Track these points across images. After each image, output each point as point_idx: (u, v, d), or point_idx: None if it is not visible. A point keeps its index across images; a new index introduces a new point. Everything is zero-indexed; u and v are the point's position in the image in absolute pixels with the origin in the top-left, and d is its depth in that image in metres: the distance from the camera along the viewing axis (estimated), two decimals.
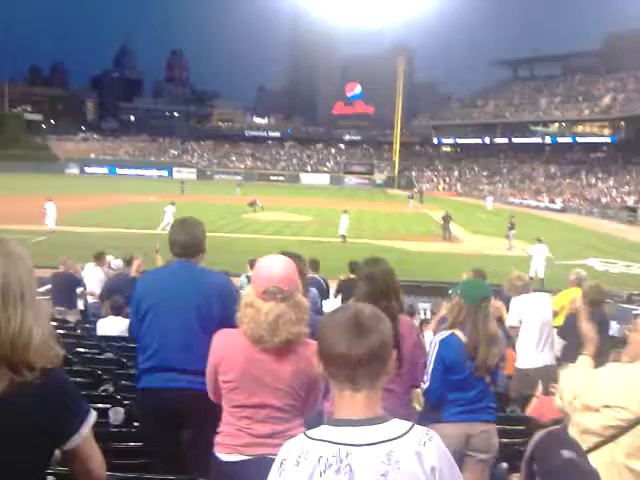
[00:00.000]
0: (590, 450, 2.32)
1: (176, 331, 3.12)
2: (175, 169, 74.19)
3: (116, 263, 10.52)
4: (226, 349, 2.49)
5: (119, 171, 72.76)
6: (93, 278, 10.48)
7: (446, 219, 28.37)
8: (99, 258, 10.91)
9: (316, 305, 5.86)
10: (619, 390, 2.31)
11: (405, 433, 1.51)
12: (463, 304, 3.41)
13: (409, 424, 1.55)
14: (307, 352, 2.44)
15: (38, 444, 1.62)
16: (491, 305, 3.49)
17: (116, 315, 7.46)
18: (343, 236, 25.38)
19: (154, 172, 73.75)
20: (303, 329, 2.44)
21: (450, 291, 3.93)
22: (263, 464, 2.36)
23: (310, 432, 1.56)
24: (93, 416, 1.75)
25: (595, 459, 2.29)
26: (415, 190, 60.16)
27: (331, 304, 8.60)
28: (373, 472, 1.45)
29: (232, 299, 2.83)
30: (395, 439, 1.49)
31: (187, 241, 3.30)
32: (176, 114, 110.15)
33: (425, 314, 11.38)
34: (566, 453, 1.77)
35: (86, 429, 1.70)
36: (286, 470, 1.51)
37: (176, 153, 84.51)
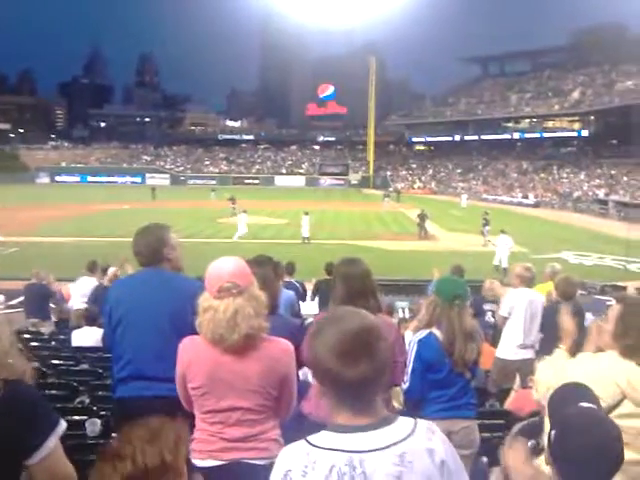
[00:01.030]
0: None
1: (150, 339, 3.07)
2: (148, 175, 73.36)
3: (111, 271, 10.00)
4: (192, 355, 2.47)
5: (91, 179, 71.72)
6: (83, 290, 9.79)
7: (422, 217, 28.55)
8: (92, 268, 10.42)
9: (294, 308, 5.85)
10: (591, 380, 2.28)
11: (413, 431, 1.50)
12: (438, 302, 3.42)
13: (412, 420, 1.54)
14: (273, 350, 2.45)
15: (2, 458, 1.58)
16: (467, 304, 3.48)
17: (91, 325, 7.32)
18: (306, 238, 25.39)
19: (127, 179, 72.90)
20: (263, 323, 2.43)
21: (429, 287, 3.95)
22: (238, 469, 2.40)
23: (313, 439, 1.51)
24: (62, 428, 1.70)
25: None
26: (391, 189, 60.50)
27: (308, 306, 8.57)
28: (388, 476, 1.43)
29: None
30: (405, 439, 1.48)
31: (141, 251, 3.27)
32: (147, 119, 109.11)
33: (403, 313, 11.42)
34: (585, 405, 1.75)
35: (53, 441, 1.66)
36: None
37: (148, 159, 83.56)
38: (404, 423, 1.52)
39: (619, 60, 66.25)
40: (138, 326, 3.10)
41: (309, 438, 1.52)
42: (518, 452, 1.93)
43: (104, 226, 28.66)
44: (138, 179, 72.39)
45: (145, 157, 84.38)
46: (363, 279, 3.17)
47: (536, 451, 2.26)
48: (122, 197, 46.53)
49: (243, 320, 2.37)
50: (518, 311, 5.90)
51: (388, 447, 1.45)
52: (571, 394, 1.85)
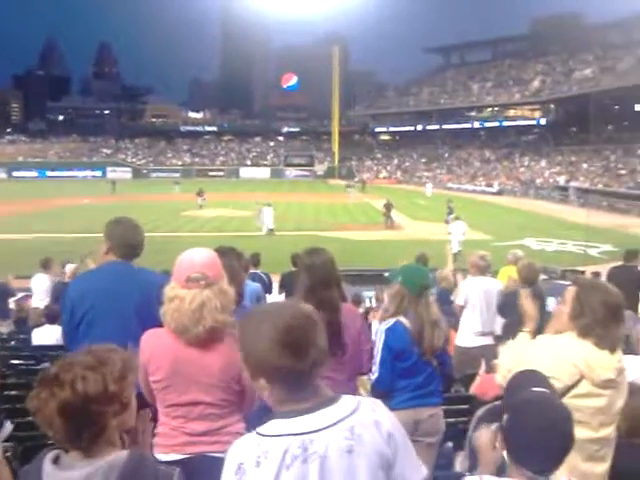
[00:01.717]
0: None
1: (117, 334, 2.93)
2: (109, 169, 71.78)
3: (70, 268, 9.77)
4: (153, 349, 2.42)
5: (49, 174, 69.82)
6: (41, 287, 9.59)
7: (388, 207, 28.71)
8: (46, 265, 10.06)
9: (260, 300, 5.77)
10: (550, 361, 2.36)
11: (358, 406, 1.54)
12: (405, 293, 3.42)
13: (356, 397, 1.59)
14: (235, 345, 2.38)
15: None
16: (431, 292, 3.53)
17: (52, 323, 7.11)
18: (271, 230, 25.37)
19: (87, 173, 71.25)
20: (229, 318, 2.39)
21: (387, 274, 3.94)
22: (201, 462, 2.35)
23: (262, 429, 1.51)
24: (6, 430, 1.61)
25: None
26: (356, 179, 60.66)
27: (275, 299, 8.49)
28: (339, 451, 1.46)
29: None
30: (352, 413, 1.52)
31: (139, 242, 3.28)
32: (107, 112, 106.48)
33: (371, 302, 11.44)
34: (536, 389, 1.78)
35: None
36: (247, 474, 1.44)
37: (109, 152, 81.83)
38: (349, 400, 1.56)
39: (577, 49, 67.65)
40: (104, 320, 3.04)
41: (258, 429, 1.52)
42: (485, 437, 1.95)
43: (64, 222, 27.99)
44: (99, 173, 70.80)
45: (105, 150, 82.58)
46: (327, 269, 3.18)
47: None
48: (82, 192, 45.51)
49: (209, 313, 2.33)
50: (473, 300, 5.99)
51: (336, 423, 1.49)
52: (525, 380, 1.88)
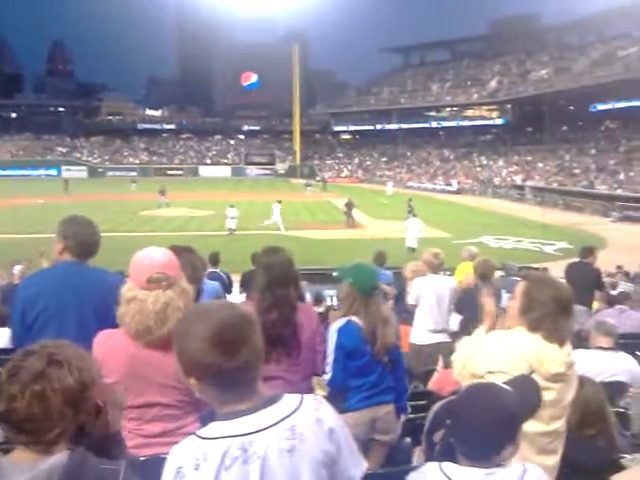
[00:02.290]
0: None
1: (73, 336, 2.82)
2: (64, 168, 69.84)
3: (19, 269, 9.48)
4: (106, 351, 2.33)
5: (2, 172, 67.65)
6: None
7: (349, 206, 28.82)
8: None
9: (219, 299, 5.65)
10: (500, 356, 2.40)
11: (300, 404, 1.53)
12: (356, 294, 3.42)
13: (299, 395, 1.57)
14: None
15: None
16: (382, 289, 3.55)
17: (1, 326, 6.83)
18: (232, 230, 25.19)
19: (41, 172, 69.43)
20: None
21: (336, 274, 3.94)
22: (157, 464, 2.24)
23: (202, 432, 1.50)
24: None
25: None
26: (317, 178, 60.77)
27: (235, 298, 8.39)
28: (280, 451, 1.45)
29: None
30: (294, 412, 1.51)
31: (95, 241, 3.17)
32: (61, 109, 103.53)
33: (332, 301, 11.43)
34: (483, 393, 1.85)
35: None
36: (186, 477, 1.43)
37: (64, 151, 79.72)
38: (291, 399, 1.55)
39: (533, 50, 69.26)
40: (60, 321, 2.92)
41: (198, 432, 1.51)
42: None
43: (17, 222, 27.13)
44: (54, 172, 68.93)
45: (60, 149, 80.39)
46: (283, 268, 3.19)
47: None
48: (36, 191, 44.25)
49: (173, 313, 2.28)
50: (424, 298, 6.01)
51: (277, 423, 1.48)
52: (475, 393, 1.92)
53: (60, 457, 1.43)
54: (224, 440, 1.44)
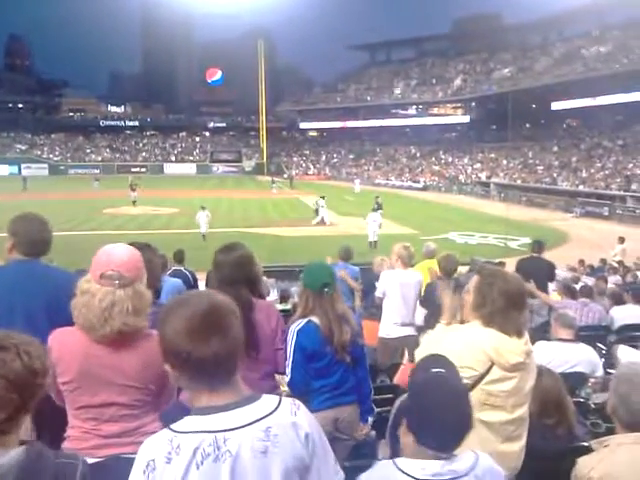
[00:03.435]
0: None
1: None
2: (24, 165, 68.06)
3: None
4: (61, 348, 2.27)
5: None
6: None
7: (319, 204, 28.93)
8: None
9: None
10: (461, 351, 2.42)
11: (277, 406, 1.52)
12: (309, 293, 3.37)
13: (277, 397, 1.57)
14: (153, 344, 2.28)
15: None
16: (337, 287, 3.46)
17: None
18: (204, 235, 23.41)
19: (0, 169, 67.54)
20: (141, 322, 2.26)
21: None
22: (115, 464, 2.22)
23: (176, 426, 1.47)
24: None
25: None
26: (285, 176, 60.61)
27: None
28: (253, 451, 1.44)
29: None
30: (270, 414, 1.49)
31: (45, 239, 3.05)
32: (20, 106, 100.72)
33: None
34: (435, 370, 1.86)
35: None
36: (156, 470, 1.40)
37: (23, 148, 77.72)
38: (269, 400, 1.54)
39: (496, 49, 70.30)
40: (10, 320, 2.80)
41: (172, 425, 1.48)
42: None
43: None
44: (13, 169, 67.11)
45: (19, 146, 78.32)
46: (235, 267, 3.11)
47: None
48: None
49: (119, 315, 2.20)
50: (391, 291, 6.05)
51: (252, 423, 1.46)
52: (426, 364, 1.96)
53: (16, 453, 1.40)
54: (197, 435, 1.42)
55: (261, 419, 1.47)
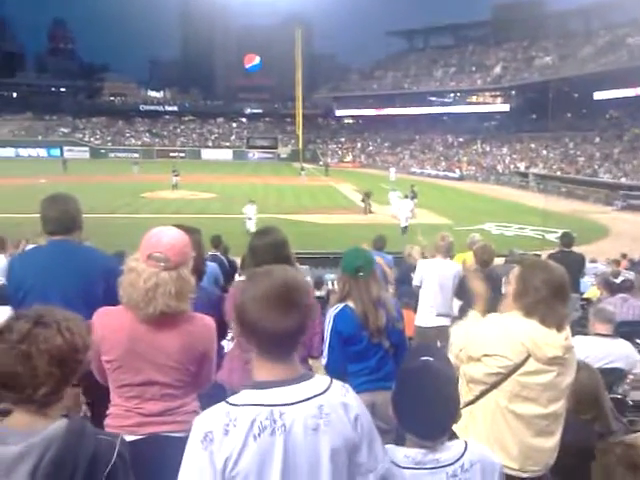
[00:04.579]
0: (477, 398, 2.48)
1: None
2: (66, 148, 69.65)
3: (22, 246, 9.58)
4: (106, 327, 2.33)
5: (3, 152, 67.57)
6: None
7: (368, 195, 28.86)
8: (1, 245, 9.83)
9: (218, 281, 5.72)
10: (497, 339, 2.42)
11: (329, 386, 1.58)
12: (345, 277, 3.43)
13: (328, 379, 1.62)
14: (195, 326, 2.37)
15: None
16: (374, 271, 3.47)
17: (4, 304, 6.85)
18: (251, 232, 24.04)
19: (43, 152, 69.20)
20: (182, 305, 2.31)
21: None
22: (156, 442, 2.30)
23: (233, 399, 1.53)
24: None
25: (481, 405, 2.47)
26: (320, 163, 60.55)
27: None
28: (305, 427, 1.48)
29: (117, 278, 2.61)
30: (323, 393, 1.55)
31: (60, 217, 3.10)
32: (63, 89, 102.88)
33: (333, 285, 11.47)
34: (424, 358, 1.85)
35: None
36: (214, 442, 1.45)
37: (66, 131, 79.47)
38: (321, 380, 1.60)
39: (538, 36, 68.57)
40: (45, 298, 2.83)
41: (228, 399, 1.54)
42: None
43: (21, 201, 27.08)
44: (56, 152, 68.73)
45: (62, 129, 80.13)
46: (270, 250, 3.13)
47: None
48: (38, 171, 44.15)
49: (162, 296, 2.25)
50: (427, 281, 6.08)
51: (307, 400, 1.51)
52: (417, 353, 1.95)
53: (58, 426, 1.44)
54: (254, 408, 1.48)
55: (315, 397, 1.52)
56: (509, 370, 2.39)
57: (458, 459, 1.75)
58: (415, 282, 6.25)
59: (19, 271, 3.11)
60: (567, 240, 8.34)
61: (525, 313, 2.46)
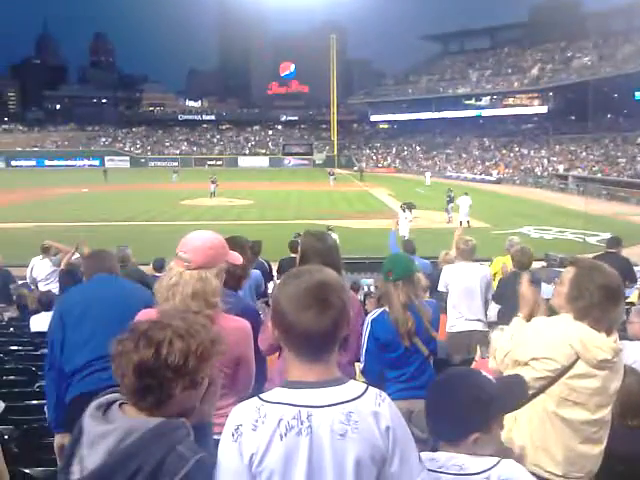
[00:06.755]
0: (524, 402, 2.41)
1: (108, 334, 2.94)
2: (107, 158, 71.75)
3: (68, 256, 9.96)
4: None
5: (47, 163, 69.76)
6: (42, 272, 9.77)
7: (409, 207, 28.46)
8: (46, 251, 10.27)
9: (260, 288, 5.74)
10: (545, 342, 2.38)
11: (362, 394, 1.53)
12: (382, 281, 3.46)
13: (364, 386, 1.58)
14: (227, 327, 2.33)
15: None
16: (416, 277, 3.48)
17: (47, 310, 7.09)
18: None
19: (85, 162, 71.19)
20: (199, 307, 2.27)
21: None
22: None
23: (265, 395, 1.54)
24: None
25: (529, 410, 2.40)
26: (355, 168, 60.56)
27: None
28: (332, 432, 1.46)
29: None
30: (354, 400, 1.51)
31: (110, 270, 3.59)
32: (104, 100, 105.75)
33: (369, 289, 11.48)
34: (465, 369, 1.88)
35: None
36: (243, 435, 1.46)
37: (107, 141, 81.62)
38: (355, 386, 1.56)
39: (575, 36, 67.26)
40: (96, 323, 3.09)
41: (261, 395, 1.54)
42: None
43: (63, 210, 27.91)
44: (97, 162, 70.65)
45: (103, 139, 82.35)
46: (326, 254, 3.12)
47: None
48: (80, 181, 45.40)
49: (179, 295, 2.27)
50: (453, 286, 5.97)
51: (336, 405, 1.49)
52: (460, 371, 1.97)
53: (147, 421, 1.44)
54: (283, 406, 1.48)
55: (344, 402, 1.50)
56: (558, 373, 2.35)
57: (484, 471, 1.69)
58: (440, 288, 6.13)
59: (67, 304, 3.40)
60: (614, 243, 7.99)
61: (577, 316, 2.40)
